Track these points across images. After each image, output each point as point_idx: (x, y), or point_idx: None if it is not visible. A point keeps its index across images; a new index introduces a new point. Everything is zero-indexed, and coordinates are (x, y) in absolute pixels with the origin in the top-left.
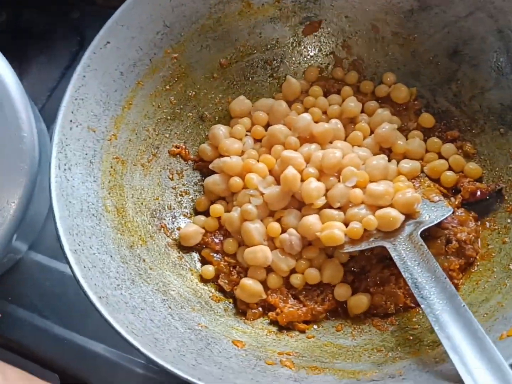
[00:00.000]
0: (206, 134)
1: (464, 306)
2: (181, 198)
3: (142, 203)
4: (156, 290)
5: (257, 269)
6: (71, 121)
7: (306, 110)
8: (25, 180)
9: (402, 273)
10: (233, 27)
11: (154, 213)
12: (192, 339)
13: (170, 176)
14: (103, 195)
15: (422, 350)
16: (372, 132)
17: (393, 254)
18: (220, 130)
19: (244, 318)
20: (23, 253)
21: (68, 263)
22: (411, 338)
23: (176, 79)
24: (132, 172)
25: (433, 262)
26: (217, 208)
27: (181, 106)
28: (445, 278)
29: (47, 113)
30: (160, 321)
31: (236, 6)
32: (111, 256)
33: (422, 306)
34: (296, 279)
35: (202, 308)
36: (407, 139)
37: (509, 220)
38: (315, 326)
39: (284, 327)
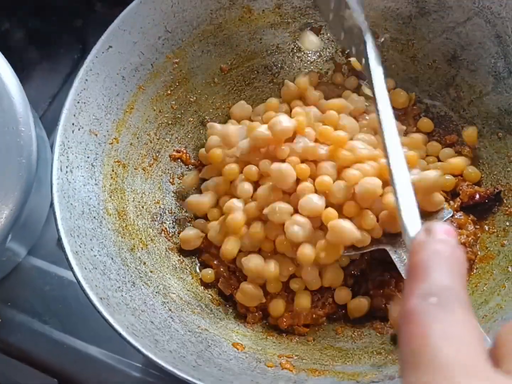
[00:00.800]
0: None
1: None
2: (181, 202)
3: (143, 207)
4: (156, 292)
5: None
6: (73, 124)
7: None
8: (24, 174)
9: (403, 275)
10: (234, 33)
11: (155, 216)
12: (192, 341)
13: (171, 180)
14: (104, 198)
15: None
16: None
17: (393, 257)
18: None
19: (244, 321)
20: (22, 257)
21: (69, 264)
22: None
23: (177, 84)
24: (133, 175)
25: None
26: (215, 213)
27: (182, 111)
28: None
29: (48, 121)
30: (161, 323)
31: (237, 12)
32: (112, 259)
33: None
34: (295, 284)
35: (202, 311)
36: None
37: (507, 223)
38: (315, 329)
39: (284, 331)
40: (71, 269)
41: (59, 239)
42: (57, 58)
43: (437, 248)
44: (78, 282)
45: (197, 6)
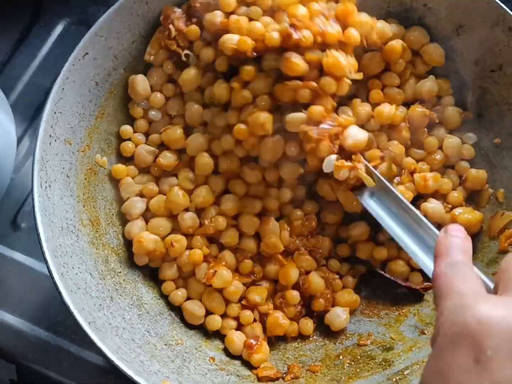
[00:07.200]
0: None
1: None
2: None
3: (113, 214)
4: (131, 305)
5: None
6: (50, 136)
7: None
8: None
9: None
10: None
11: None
12: (170, 357)
13: None
14: (79, 209)
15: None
16: None
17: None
18: None
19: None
20: None
21: (56, 288)
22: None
23: None
24: (103, 183)
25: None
26: None
27: None
28: None
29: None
30: (140, 339)
31: None
32: (91, 274)
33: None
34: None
35: (173, 320)
36: None
37: None
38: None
39: None
40: (59, 294)
41: (46, 262)
42: (6, 23)
43: (453, 240)
44: (68, 308)
45: None
